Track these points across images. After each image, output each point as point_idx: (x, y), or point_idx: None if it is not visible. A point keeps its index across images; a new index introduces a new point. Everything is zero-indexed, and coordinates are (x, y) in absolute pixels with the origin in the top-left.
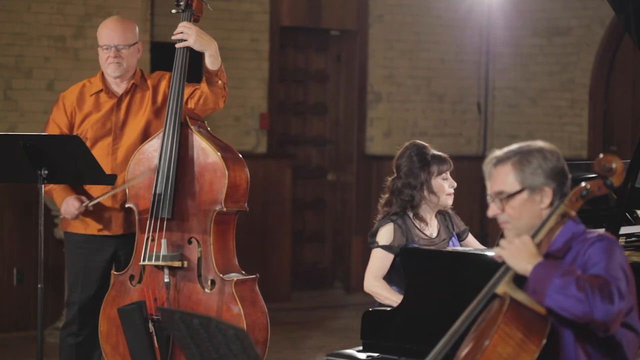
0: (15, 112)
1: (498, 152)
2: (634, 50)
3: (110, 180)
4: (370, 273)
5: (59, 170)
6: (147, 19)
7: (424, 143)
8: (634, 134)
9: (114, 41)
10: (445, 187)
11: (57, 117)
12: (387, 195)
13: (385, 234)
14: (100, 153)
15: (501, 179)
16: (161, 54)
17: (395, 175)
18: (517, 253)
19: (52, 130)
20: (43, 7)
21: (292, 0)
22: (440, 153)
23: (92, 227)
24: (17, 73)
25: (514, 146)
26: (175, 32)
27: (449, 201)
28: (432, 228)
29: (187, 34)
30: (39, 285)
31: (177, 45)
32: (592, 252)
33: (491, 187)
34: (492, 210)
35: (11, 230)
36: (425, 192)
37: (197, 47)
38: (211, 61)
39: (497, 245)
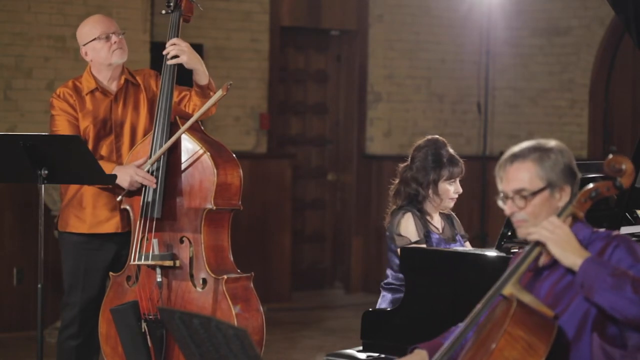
0: (15, 112)
1: (514, 149)
2: (634, 50)
3: (110, 180)
4: None
5: (59, 170)
6: (147, 19)
7: (445, 141)
8: (634, 134)
9: (112, 28)
10: (450, 191)
11: (64, 108)
12: (396, 183)
13: (411, 227)
14: (105, 152)
15: (520, 176)
16: (161, 54)
17: (408, 164)
18: (566, 244)
19: (62, 122)
20: (43, 7)
21: (292, 0)
22: (457, 157)
23: (92, 226)
24: (17, 73)
25: (528, 143)
26: (166, 50)
27: (450, 204)
28: (437, 223)
29: (180, 51)
30: (38, 285)
31: (168, 62)
32: (621, 256)
33: (508, 185)
34: (510, 208)
35: (11, 230)
36: (431, 192)
37: (188, 65)
38: (201, 77)
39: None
